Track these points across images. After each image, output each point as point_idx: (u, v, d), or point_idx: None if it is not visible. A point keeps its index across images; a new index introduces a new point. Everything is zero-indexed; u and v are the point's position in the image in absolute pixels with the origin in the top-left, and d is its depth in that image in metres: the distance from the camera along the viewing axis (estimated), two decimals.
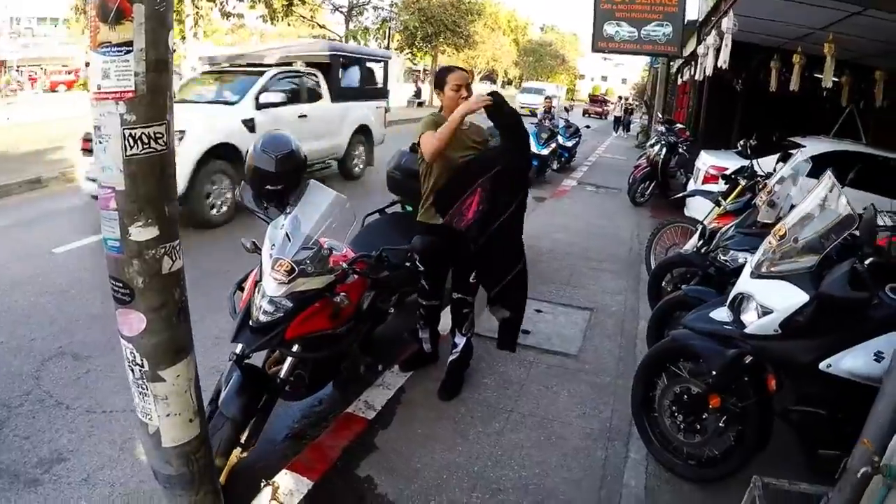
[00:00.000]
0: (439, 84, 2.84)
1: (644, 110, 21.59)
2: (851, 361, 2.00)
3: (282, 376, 2.35)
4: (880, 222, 3.74)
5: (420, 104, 24.90)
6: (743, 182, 4.14)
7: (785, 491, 2.00)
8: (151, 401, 1.67)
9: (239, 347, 2.26)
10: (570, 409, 3.10)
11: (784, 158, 4.27)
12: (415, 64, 29.50)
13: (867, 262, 2.05)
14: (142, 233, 1.51)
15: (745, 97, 9.87)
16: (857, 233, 2.02)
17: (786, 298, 2.08)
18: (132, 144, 1.44)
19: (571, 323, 4.27)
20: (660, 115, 12.16)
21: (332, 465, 2.45)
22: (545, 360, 3.63)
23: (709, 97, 9.39)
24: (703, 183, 5.94)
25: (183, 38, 12.24)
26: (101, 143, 1.46)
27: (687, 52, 10.44)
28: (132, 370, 1.66)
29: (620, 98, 36.44)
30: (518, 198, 2.75)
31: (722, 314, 2.32)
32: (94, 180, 5.27)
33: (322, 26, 18.42)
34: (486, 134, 2.96)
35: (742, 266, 2.80)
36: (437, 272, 3.03)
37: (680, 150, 8.21)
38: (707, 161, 6.25)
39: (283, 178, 2.49)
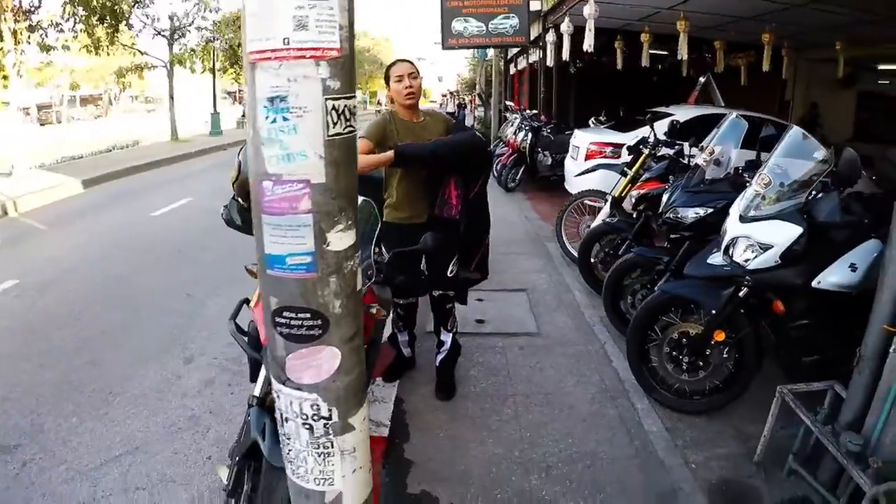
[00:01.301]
0: (386, 79, 2.80)
1: (479, 103, 22.79)
2: (834, 275, 2.37)
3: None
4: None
5: None
6: (646, 150, 4.58)
7: (805, 393, 2.26)
8: (336, 460, 1.24)
9: (257, 389, 1.92)
10: (564, 381, 3.18)
11: (652, 125, 4.79)
12: (238, 83, 28.32)
13: (845, 193, 2.42)
14: (342, 239, 1.13)
15: (578, 78, 10.89)
16: (834, 170, 2.37)
17: (782, 233, 2.38)
18: (335, 120, 1.06)
19: (515, 305, 4.37)
20: (508, 104, 12.93)
21: (379, 491, 2.20)
22: (514, 342, 3.68)
23: (559, 81, 10.27)
24: (587, 159, 6.44)
25: (5, 76, 10.17)
26: (286, 119, 1.04)
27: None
28: (308, 429, 1.21)
29: (452, 94, 37.43)
30: (484, 171, 2.87)
31: (717, 259, 2.55)
32: None
33: (144, 52, 16.55)
34: (446, 119, 2.94)
35: (693, 221, 3.12)
36: (436, 267, 2.90)
37: (544, 133, 8.83)
38: (585, 139, 6.77)
39: None
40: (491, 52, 18.54)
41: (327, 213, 1.10)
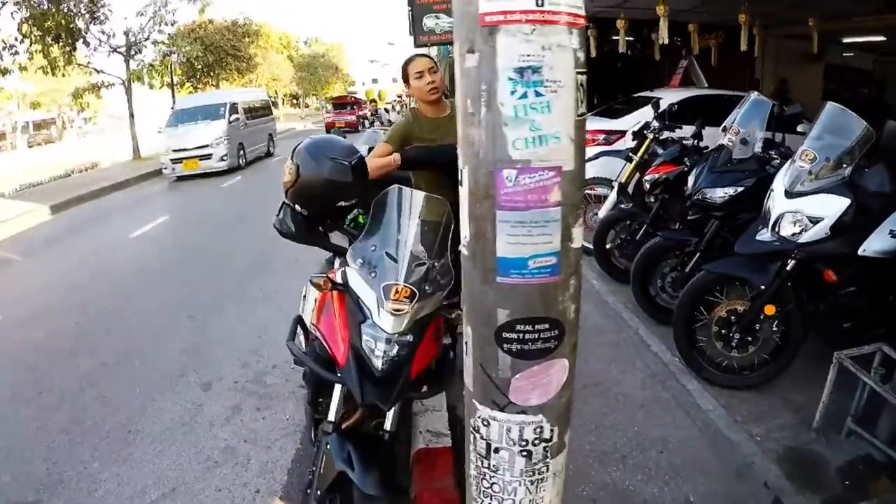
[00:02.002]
0: (405, 78, 2.68)
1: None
2: (877, 242, 2.37)
3: (389, 429, 1.86)
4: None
5: None
6: (651, 135, 4.55)
7: (862, 356, 2.29)
8: (548, 485, 1.08)
9: (332, 414, 1.76)
10: (609, 370, 3.12)
11: (656, 109, 4.78)
12: None
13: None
14: (580, 234, 1.00)
15: None
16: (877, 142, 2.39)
17: (831, 206, 2.38)
18: (581, 98, 0.91)
19: None
20: None
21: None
22: None
23: None
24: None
25: None
26: (538, 94, 0.85)
27: None
28: (525, 456, 1.05)
29: (409, 94, 36.72)
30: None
31: (766, 235, 2.53)
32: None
33: (100, 71, 15.84)
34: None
35: (724, 201, 3.09)
36: None
37: None
38: None
39: (358, 188, 1.98)
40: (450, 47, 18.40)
41: (573, 206, 0.95)
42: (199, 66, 22.52)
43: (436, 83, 2.57)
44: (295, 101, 47.33)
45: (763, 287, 2.56)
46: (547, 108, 0.88)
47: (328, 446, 1.71)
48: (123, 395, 3.22)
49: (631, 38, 9.23)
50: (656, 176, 4.05)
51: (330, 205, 1.99)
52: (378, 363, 1.66)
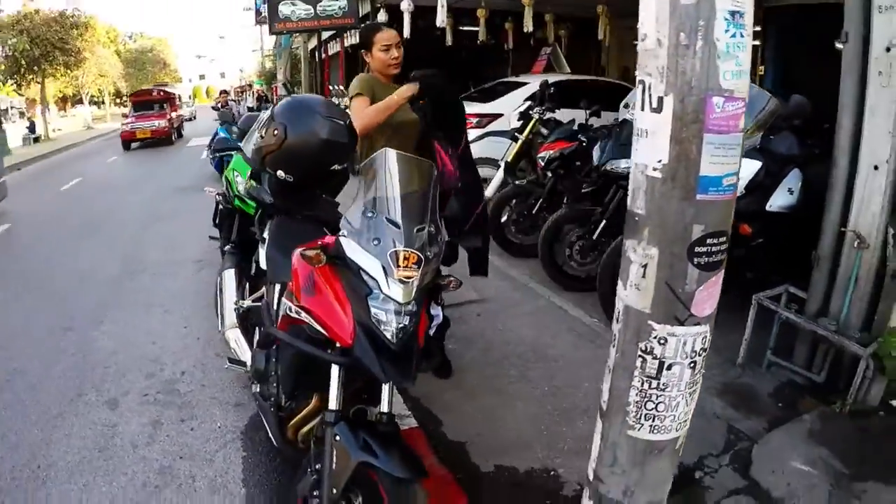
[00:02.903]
0: (365, 44, 2.54)
1: (284, 93, 21.89)
2: (779, 199, 2.84)
3: (387, 410, 1.77)
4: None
5: (37, 139, 20.74)
6: (536, 116, 4.85)
7: (772, 297, 2.74)
8: (696, 394, 1.23)
9: (334, 402, 1.64)
10: (541, 336, 3.34)
11: (544, 92, 5.12)
12: (21, 94, 24.05)
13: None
14: None
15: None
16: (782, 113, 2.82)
17: (746, 168, 2.75)
18: None
19: None
20: (338, 88, 12.57)
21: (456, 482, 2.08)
22: (468, 311, 3.70)
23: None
24: None
25: None
26: (742, 36, 0.99)
27: None
28: (692, 367, 1.17)
29: (242, 88, 34.79)
30: (463, 127, 2.67)
31: None
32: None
33: None
34: None
35: (627, 171, 3.40)
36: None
37: None
38: None
39: (352, 149, 1.79)
40: (300, 39, 17.66)
41: (743, 132, 1.08)
42: (24, 62, 20.04)
43: (399, 58, 2.48)
44: (120, 100, 43.60)
45: None
46: (744, 48, 1.01)
47: (337, 438, 1.59)
48: (15, 428, 2.65)
49: (475, 28, 9.66)
50: (551, 153, 4.34)
51: (323, 169, 1.82)
52: (392, 337, 1.57)
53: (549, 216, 4.22)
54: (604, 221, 3.68)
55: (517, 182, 4.77)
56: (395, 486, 1.52)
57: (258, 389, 2.23)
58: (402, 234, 1.63)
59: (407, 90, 2.29)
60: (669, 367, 1.15)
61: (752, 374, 2.79)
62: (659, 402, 1.17)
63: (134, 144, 16.49)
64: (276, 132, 1.72)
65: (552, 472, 2.21)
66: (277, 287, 2.28)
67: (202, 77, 67.99)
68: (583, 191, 4.16)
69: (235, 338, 2.69)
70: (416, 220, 1.68)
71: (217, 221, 4.17)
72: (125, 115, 18.50)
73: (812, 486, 2.04)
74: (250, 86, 34.90)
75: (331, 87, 12.17)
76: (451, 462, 2.24)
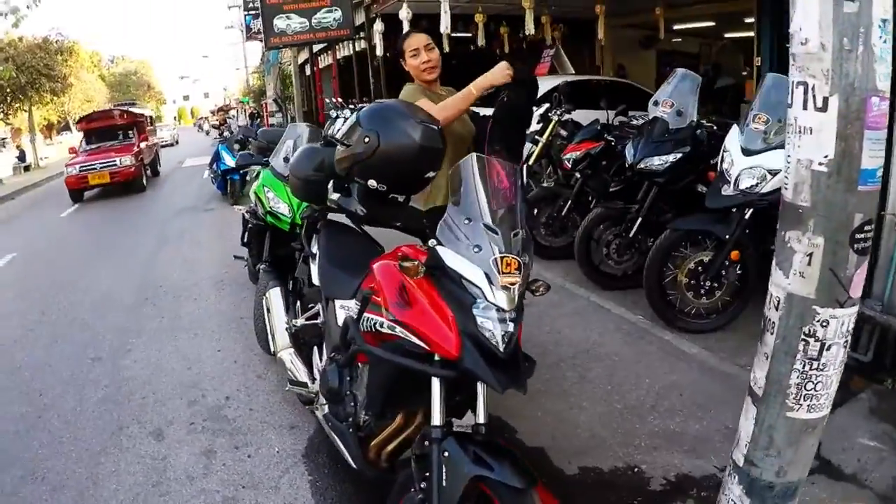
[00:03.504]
0: (400, 54, 2.49)
1: (275, 109, 21.77)
2: None
3: (483, 421, 1.70)
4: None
5: (27, 168, 20.60)
6: (555, 118, 4.82)
7: None
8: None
9: (437, 417, 1.56)
10: (588, 336, 3.29)
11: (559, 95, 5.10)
12: (8, 123, 23.85)
13: None
14: None
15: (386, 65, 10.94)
16: None
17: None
18: None
19: None
20: (332, 100, 12.51)
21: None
22: None
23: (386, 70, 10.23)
24: None
25: None
26: (890, 42, 1.09)
27: None
28: (844, 345, 1.24)
29: (226, 107, 34.18)
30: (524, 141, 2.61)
31: (728, 190, 2.84)
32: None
33: None
34: None
35: (666, 167, 3.37)
36: None
37: None
38: None
39: (443, 155, 1.72)
40: (288, 54, 17.60)
41: None
42: (10, 90, 19.59)
43: (432, 61, 2.37)
44: None
45: (727, 236, 2.88)
46: (889, 52, 1.12)
47: (446, 454, 1.51)
48: (58, 465, 2.52)
49: (468, 35, 9.66)
50: (577, 154, 4.30)
51: (417, 176, 1.74)
52: (501, 345, 1.50)
53: (579, 217, 4.17)
54: (640, 219, 3.64)
55: (543, 185, 4.72)
56: (513, 497, 1.45)
57: (328, 410, 2.13)
58: (501, 240, 1.56)
59: (500, 73, 2.13)
60: (829, 348, 1.21)
61: None
62: (818, 382, 1.24)
63: (88, 193, 11.09)
64: (366, 140, 1.64)
65: (636, 469, 2.16)
66: (339, 303, 2.20)
67: (186, 98, 68.27)
68: (611, 190, 4.13)
69: (290, 359, 2.59)
70: (510, 224, 1.61)
71: (246, 240, 4.07)
72: (73, 151, 12.01)
73: (882, 459, 2.07)
74: (224, 107, 34.64)
75: (326, 101, 12.05)
76: (534, 468, 2.17)
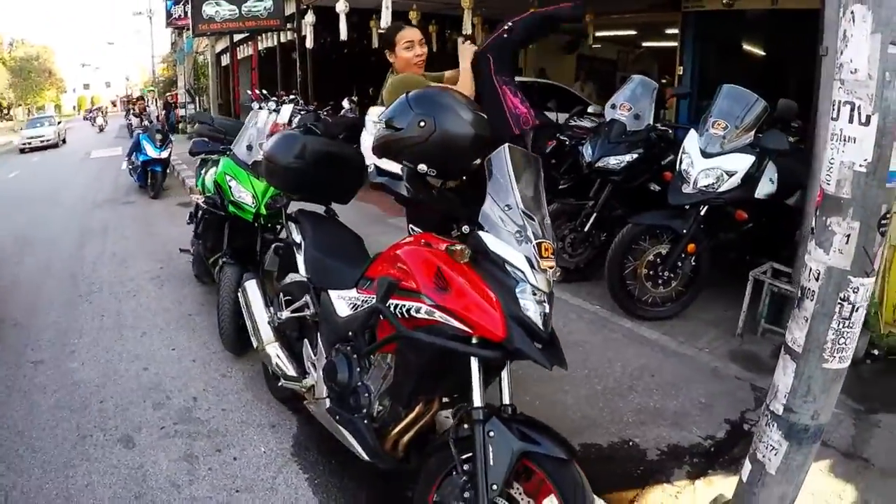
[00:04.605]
0: (388, 44, 2.52)
1: (187, 100, 20.54)
2: (764, 187, 3.20)
3: (508, 401, 1.76)
4: (586, 123, 5.24)
5: None
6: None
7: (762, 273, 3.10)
8: None
9: (478, 398, 1.61)
10: (568, 317, 3.41)
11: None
12: None
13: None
14: None
15: (318, 61, 10.69)
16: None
17: (743, 162, 3.07)
18: None
19: None
20: (252, 93, 11.97)
21: None
22: None
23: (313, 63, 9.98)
24: None
25: None
26: None
27: None
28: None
29: (139, 98, 31.20)
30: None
31: (688, 189, 3.12)
32: None
33: None
34: None
35: (623, 166, 3.63)
36: None
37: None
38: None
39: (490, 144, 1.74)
40: (204, 42, 16.54)
41: None
42: None
43: (423, 56, 2.49)
44: (4, 112, 39.42)
45: (685, 231, 3.16)
46: None
47: (491, 434, 1.58)
48: (21, 482, 2.26)
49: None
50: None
51: (467, 164, 1.77)
52: (541, 325, 1.60)
53: None
54: (594, 214, 3.87)
55: None
56: (558, 468, 1.55)
57: (333, 403, 2.10)
58: (538, 226, 1.66)
59: (468, 51, 2.42)
60: (857, 310, 1.48)
61: (751, 342, 3.13)
62: (848, 338, 1.50)
63: None
64: (422, 124, 1.65)
65: (631, 443, 2.34)
66: (336, 293, 2.17)
67: (86, 87, 64.01)
68: (560, 187, 4.35)
69: (277, 353, 2.51)
70: (540, 211, 1.72)
71: (199, 230, 3.84)
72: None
73: (840, 421, 2.41)
74: (135, 98, 31.98)
75: (248, 92, 11.50)
76: None
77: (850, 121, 1.40)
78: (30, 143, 20.47)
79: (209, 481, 2.26)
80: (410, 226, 2.37)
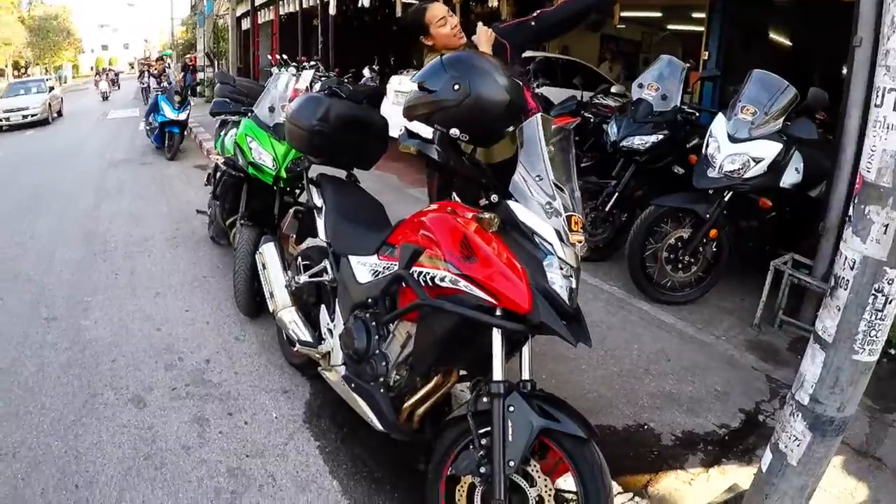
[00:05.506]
0: (420, 28, 2.42)
1: (207, 63, 20.29)
2: (789, 177, 3.12)
3: (527, 377, 1.73)
4: (610, 102, 5.12)
5: None
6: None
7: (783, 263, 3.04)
8: None
9: (499, 372, 1.57)
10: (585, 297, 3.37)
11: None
12: None
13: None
14: None
15: (343, 29, 10.69)
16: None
17: (770, 149, 2.97)
18: None
19: None
20: (273, 59, 11.85)
21: None
22: None
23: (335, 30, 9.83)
24: None
25: None
26: None
27: None
28: None
29: (159, 58, 30.34)
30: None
31: (713, 173, 3.03)
32: None
33: None
34: None
35: (650, 146, 3.53)
36: None
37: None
38: (407, 84, 6.74)
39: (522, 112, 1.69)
40: (225, 6, 16.27)
41: None
42: None
43: (458, 25, 2.39)
44: (22, 70, 39.46)
45: (708, 215, 3.08)
46: None
47: (511, 409, 1.55)
48: (30, 439, 2.27)
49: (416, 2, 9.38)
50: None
51: (500, 130, 1.71)
52: (567, 300, 1.55)
53: None
54: (616, 194, 3.79)
55: None
56: (577, 447, 1.52)
57: (349, 371, 2.08)
58: (568, 198, 1.60)
59: (486, 38, 2.32)
60: (891, 302, 1.42)
61: (768, 333, 3.07)
62: (879, 330, 1.44)
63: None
64: (456, 87, 1.58)
65: (646, 427, 2.31)
66: (356, 259, 2.13)
67: (105, 48, 63.12)
68: (582, 165, 4.25)
69: (293, 318, 2.49)
70: (570, 184, 1.66)
71: (217, 193, 3.81)
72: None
73: (855, 418, 2.30)
74: (161, 58, 31.75)
75: (268, 57, 11.36)
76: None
77: (895, 108, 1.31)
78: (7, 119, 14.19)
79: (219, 445, 2.25)
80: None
